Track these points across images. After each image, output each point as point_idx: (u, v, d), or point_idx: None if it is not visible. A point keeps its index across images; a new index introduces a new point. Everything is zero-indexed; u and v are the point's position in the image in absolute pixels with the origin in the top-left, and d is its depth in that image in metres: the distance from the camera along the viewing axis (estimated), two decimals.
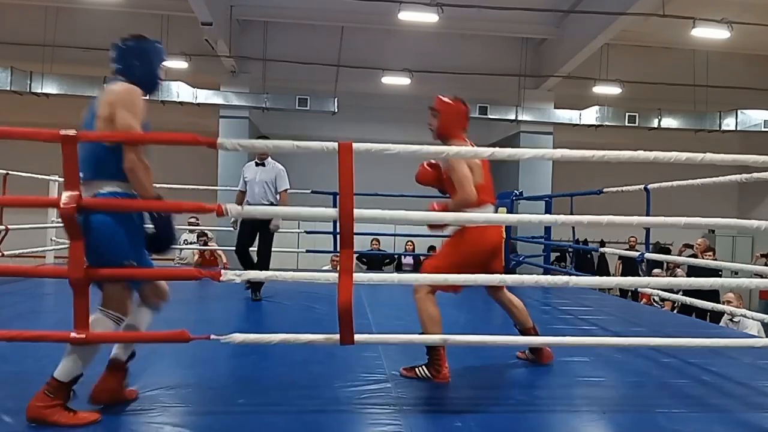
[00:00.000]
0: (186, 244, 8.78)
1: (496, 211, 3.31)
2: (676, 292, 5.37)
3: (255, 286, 5.41)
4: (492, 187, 3.19)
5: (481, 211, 3.03)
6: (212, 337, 2.39)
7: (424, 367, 2.99)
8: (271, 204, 5.40)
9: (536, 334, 3.28)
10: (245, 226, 5.50)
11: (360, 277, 2.47)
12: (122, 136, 2.27)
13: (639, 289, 5.88)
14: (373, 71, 11.27)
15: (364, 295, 5.41)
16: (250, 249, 5.50)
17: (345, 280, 2.35)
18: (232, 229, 5.95)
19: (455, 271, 2.78)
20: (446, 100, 3.17)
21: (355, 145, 2.35)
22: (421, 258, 9.39)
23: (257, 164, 5.53)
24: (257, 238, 5.47)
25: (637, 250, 8.13)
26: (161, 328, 2.47)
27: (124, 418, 2.34)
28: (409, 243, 10.51)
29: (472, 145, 3.09)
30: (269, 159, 5.54)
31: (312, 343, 2.46)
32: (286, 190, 5.49)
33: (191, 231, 8.88)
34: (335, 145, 2.35)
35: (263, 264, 5.36)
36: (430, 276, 2.88)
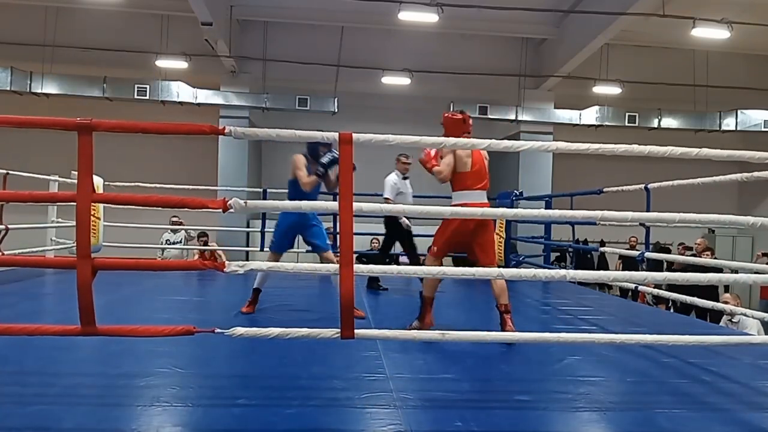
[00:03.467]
0: (168, 244, 8.65)
1: (489, 198, 3.90)
2: (677, 291, 5.36)
3: (374, 281, 6.05)
4: (482, 176, 3.82)
5: (468, 194, 3.72)
6: (216, 330, 2.43)
7: (416, 320, 3.82)
8: None
9: (507, 311, 3.71)
10: (399, 233, 6.01)
11: (360, 268, 2.51)
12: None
13: (639, 288, 5.86)
14: (373, 71, 11.27)
15: (364, 295, 5.41)
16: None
17: (346, 272, 2.37)
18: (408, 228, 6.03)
19: (447, 242, 3.73)
20: (446, 114, 3.91)
21: (355, 136, 2.38)
22: (421, 258, 9.41)
23: (404, 177, 5.91)
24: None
25: (637, 250, 8.11)
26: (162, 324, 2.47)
27: (125, 416, 2.34)
28: None
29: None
30: None
31: (312, 336, 2.46)
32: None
33: (174, 231, 8.70)
34: (335, 134, 2.38)
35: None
36: (426, 269, 3.23)
